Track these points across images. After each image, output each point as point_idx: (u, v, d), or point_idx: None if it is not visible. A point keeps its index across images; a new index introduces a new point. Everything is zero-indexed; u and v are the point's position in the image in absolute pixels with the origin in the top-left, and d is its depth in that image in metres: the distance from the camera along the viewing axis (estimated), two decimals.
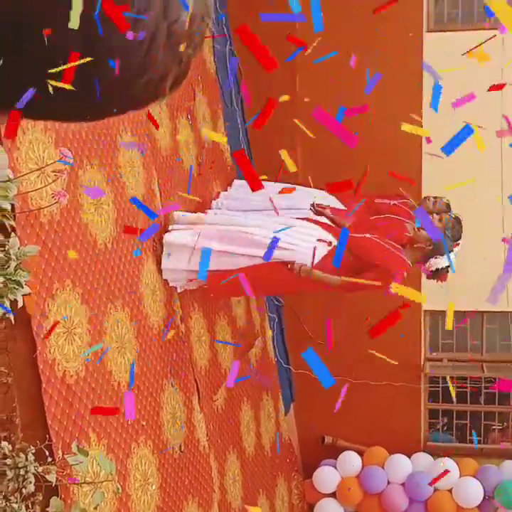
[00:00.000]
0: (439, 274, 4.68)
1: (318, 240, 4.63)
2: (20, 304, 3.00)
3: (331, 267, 4.45)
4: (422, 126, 6.99)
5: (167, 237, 4.57)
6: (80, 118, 0.72)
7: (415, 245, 4.62)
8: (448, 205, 4.92)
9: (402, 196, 5.23)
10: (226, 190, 5.93)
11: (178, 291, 4.77)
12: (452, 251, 4.63)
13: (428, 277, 4.70)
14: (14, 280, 2.98)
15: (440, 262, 4.61)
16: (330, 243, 4.65)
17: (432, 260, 4.61)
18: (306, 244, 4.57)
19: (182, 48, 0.68)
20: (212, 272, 4.42)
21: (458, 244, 4.76)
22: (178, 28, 0.66)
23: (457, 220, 4.79)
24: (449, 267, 4.62)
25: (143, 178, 4.54)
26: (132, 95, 0.70)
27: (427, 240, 4.61)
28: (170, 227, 4.68)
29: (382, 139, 7.14)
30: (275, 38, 6.70)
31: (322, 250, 4.60)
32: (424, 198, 5.17)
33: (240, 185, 5.82)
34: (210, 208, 5.38)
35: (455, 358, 8.02)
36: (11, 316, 2.99)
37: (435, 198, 5.02)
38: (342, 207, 5.19)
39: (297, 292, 5.70)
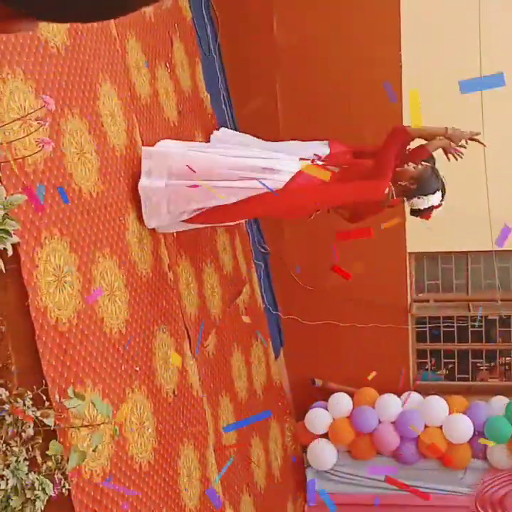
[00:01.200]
0: (421, 213, 4.66)
1: (301, 159, 4.65)
2: (9, 253, 3.02)
3: (317, 181, 4.49)
4: (401, 69, 7.03)
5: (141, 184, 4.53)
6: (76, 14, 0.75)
7: (399, 183, 4.62)
8: (431, 157, 4.83)
9: None
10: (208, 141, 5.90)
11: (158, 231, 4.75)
12: (438, 192, 4.59)
13: (411, 214, 4.69)
14: (2, 229, 3.01)
15: (422, 202, 4.59)
16: (313, 160, 4.68)
17: (415, 200, 4.60)
18: (288, 162, 4.60)
19: None
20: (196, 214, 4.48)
21: (440, 205, 4.70)
22: None
23: (433, 170, 4.74)
24: (432, 207, 4.60)
25: (124, 128, 4.54)
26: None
27: (410, 178, 4.61)
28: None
29: (360, 85, 7.13)
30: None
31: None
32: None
33: (219, 139, 5.75)
34: None
35: (441, 298, 8.11)
36: (1, 265, 3.02)
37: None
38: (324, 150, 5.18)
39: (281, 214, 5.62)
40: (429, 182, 4.57)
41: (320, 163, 4.68)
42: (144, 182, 4.48)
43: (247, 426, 5.78)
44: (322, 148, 5.03)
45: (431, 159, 4.73)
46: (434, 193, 4.55)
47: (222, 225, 5.38)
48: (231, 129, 6.87)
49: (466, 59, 6.96)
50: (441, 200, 4.64)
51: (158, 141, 4.92)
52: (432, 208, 4.60)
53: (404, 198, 4.62)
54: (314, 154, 4.83)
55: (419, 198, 4.58)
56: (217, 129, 6.22)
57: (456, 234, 7.45)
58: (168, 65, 5.56)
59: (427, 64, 7.12)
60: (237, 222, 5.20)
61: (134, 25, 4.99)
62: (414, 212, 4.66)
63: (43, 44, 3.65)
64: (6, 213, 3.03)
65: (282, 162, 4.60)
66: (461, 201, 6.88)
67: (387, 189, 4.46)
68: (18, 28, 0.77)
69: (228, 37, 7.03)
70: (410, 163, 4.62)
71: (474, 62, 6.86)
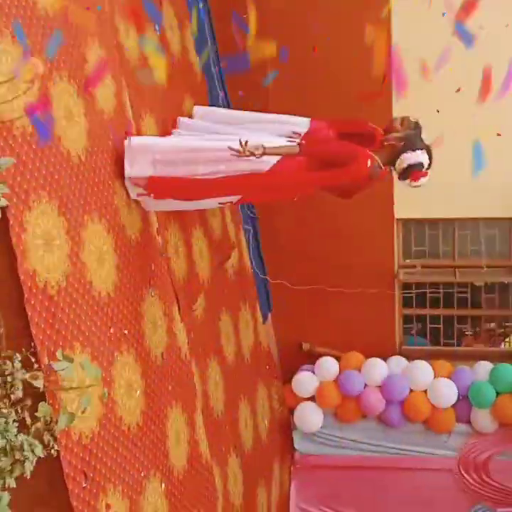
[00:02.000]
0: (410, 172, 4.60)
1: (287, 140, 4.63)
2: None
3: (297, 161, 4.48)
4: (390, 34, 6.97)
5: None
6: None
7: (385, 143, 4.64)
8: (416, 124, 4.83)
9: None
10: (195, 105, 5.85)
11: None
12: (424, 149, 4.59)
13: (399, 178, 4.67)
14: None
15: (411, 157, 4.56)
16: (300, 135, 4.68)
17: (403, 155, 4.58)
18: (275, 139, 4.58)
19: None
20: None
21: (427, 172, 4.69)
22: None
23: (418, 129, 4.74)
24: (421, 164, 4.58)
25: (113, 91, 4.52)
26: None
27: (397, 139, 4.63)
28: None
29: (349, 51, 7.07)
30: None
31: (293, 142, 4.61)
32: (392, 119, 5.06)
33: (202, 116, 5.67)
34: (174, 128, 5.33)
35: (428, 264, 8.16)
36: None
37: (402, 118, 4.91)
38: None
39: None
40: (415, 138, 4.61)
41: (297, 140, 4.66)
42: (127, 170, 4.45)
43: (234, 390, 5.83)
44: (303, 126, 5.03)
45: (417, 123, 4.74)
46: (422, 149, 4.56)
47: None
48: (220, 93, 6.83)
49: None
50: (429, 164, 4.64)
51: (146, 108, 4.92)
52: (420, 166, 4.56)
53: (392, 163, 4.61)
54: (293, 132, 4.81)
55: (407, 152, 4.57)
56: (205, 95, 6.20)
57: (443, 201, 7.47)
58: (157, 27, 5.51)
59: (416, 41, 7.06)
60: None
61: None
62: (403, 173, 4.60)
63: (31, 5, 3.61)
64: None
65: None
66: (448, 168, 6.89)
67: (369, 162, 4.45)
68: None
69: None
70: (396, 125, 4.66)
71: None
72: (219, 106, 6.63)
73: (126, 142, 4.48)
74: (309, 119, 5.14)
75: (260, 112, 5.39)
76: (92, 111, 4.14)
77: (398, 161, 4.57)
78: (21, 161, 3.32)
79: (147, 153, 4.45)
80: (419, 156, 4.55)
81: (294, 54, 7.02)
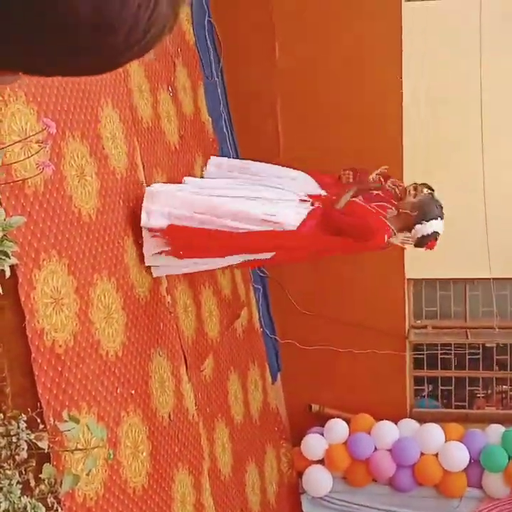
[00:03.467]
0: (425, 241, 4.64)
1: (300, 201, 4.65)
2: (7, 275, 3.02)
3: (316, 227, 4.50)
4: (402, 97, 7.07)
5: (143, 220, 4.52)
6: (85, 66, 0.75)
7: (400, 210, 4.65)
8: (430, 190, 4.85)
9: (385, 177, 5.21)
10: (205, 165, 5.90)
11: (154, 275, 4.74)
12: (441, 217, 4.60)
13: (415, 246, 4.69)
14: (1, 251, 3.01)
15: (425, 228, 4.58)
16: (313, 203, 4.67)
17: (417, 226, 4.60)
18: (289, 209, 4.58)
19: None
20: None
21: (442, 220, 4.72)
22: None
23: (433, 196, 4.76)
24: (436, 233, 4.60)
25: (125, 151, 4.56)
26: (134, 51, 0.73)
27: (411, 207, 4.64)
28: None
29: (361, 109, 7.17)
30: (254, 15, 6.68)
31: (305, 208, 4.62)
32: (407, 186, 5.07)
33: (217, 165, 5.73)
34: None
35: (439, 325, 8.10)
36: None
37: (417, 185, 4.92)
38: (316, 187, 5.14)
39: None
40: (430, 207, 4.61)
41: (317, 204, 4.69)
42: (144, 220, 4.46)
43: (242, 452, 5.75)
44: (309, 184, 5.06)
45: (430, 189, 4.76)
46: (436, 218, 4.57)
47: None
48: (232, 151, 6.89)
49: (467, 84, 7.02)
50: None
51: (158, 168, 4.95)
52: (436, 235, 4.59)
53: (406, 230, 4.63)
54: (308, 195, 4.80)
55: (421, 223, 4.58)
56: (216, 154, 6.24)
57: (454, 261, 7.45)
58: (170, 88, 5.59)
59: (427, 89, 7.16)
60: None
61: None
62: (419, 242, 4.64)
63: None
64: (4, 235, 3.03)
65: (281, 211, 4.55)
66: (460, 228, 6.91)
67: (386, 236, 4.49)
68: (1, 80, 0.77)
69: (231, 61, 7.08)
70: (410, 192, 4.67)
71: (475, 86, 6.92)
72: None
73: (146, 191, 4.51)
74: (313, 180, 5.17)
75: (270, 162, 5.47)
76: (104, 170, 4.17)
77: (413, 232, 4.58)
78: (32, 220, 3.34)
79: (164, 206, 4.47)
80: (434, 226, 4.55)
81: (305, 102, 7.19)
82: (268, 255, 4.60)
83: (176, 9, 0.72)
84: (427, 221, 4.57)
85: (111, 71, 0.76)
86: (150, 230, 4.43)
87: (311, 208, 4.62)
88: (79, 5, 0.66)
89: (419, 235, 4.58)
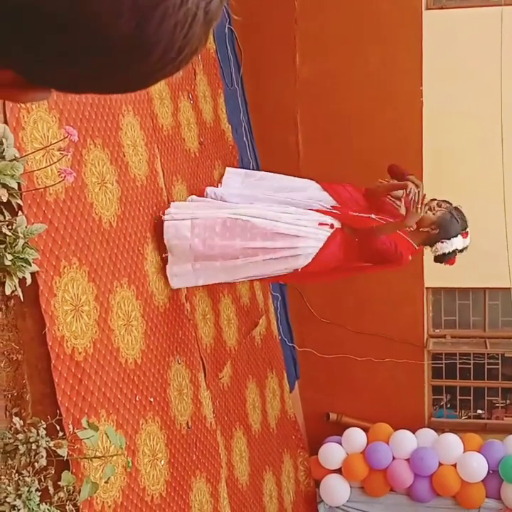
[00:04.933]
0: (446, 258, 4.60)
1: (319, 224, 4.60)
2: (28, 282, 3.04)
3: (336, 250, 4.49)
4: (422, 106, 7.05)
5: (165, 234, 4.55)
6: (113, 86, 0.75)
7: (420, 229, 4.60)
8: (455, 208, 4.79)
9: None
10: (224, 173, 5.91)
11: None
12: (460, 235, 4.56)
13: (435, 260, 4.66)
14: (22, 258, 3.02)
15: (446, 246, 4.54)
16: (332, 225, 4.61)
17: (438, 244, 4.55)
18: (308, 228, 4.54)
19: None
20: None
21: (467, 234, 4.67)
22: (213, 6, 0.70)
23: (457, 210, 4.71)
24: (457, 250, 4.56)
25: (146, 158, 4.57)
26: (167, 70, 0.73)
27: (431, 224, 4.59)
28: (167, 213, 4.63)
29: (382, 120, 7.16)
30: (277, 19, 6.69)
31: (325, 233, 4.57)
32: (431, 200, 5.01)
33: (234, 177, 5.74)
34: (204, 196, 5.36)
35: (458, 334, 8.06)
36: (20, 294, 3.03)
37: (440, 200, 4.86)
38: (330, 200, 5.13)
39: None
40: (450, 225, 4.54)
41: (336, 224, 4.65)
42: (171, 269, 4.52)
43: (259, 461, 5.74)
44: (320, 195, 5.04)
45: (450, 204, 4.71)
46: (456, 235, 4.52)
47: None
48: (251, 160, 6.89)
49: (488, 93, 6.98)
50: (466, 241, 4.62)
51: (178, 175, 4.96)
52: (455, 252, 4.57)
53: (427, 245, 4.61)
54: (323, 211, 4.76)
55: (442, 242, 4.54)
56: (236, 162, 6.26)
57: (474, 270, 7.41)
58: (191, 96, 5.60)
59: (448, 99, 7.13)
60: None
61: None
62: (439, 258, 4.61)
63: None
64: (25, 242, 3.05)
65: (302, 240, 4.55)
66: (480, 237, 6.86)
67: (410, 257, 4.48)
68: (32, 97, 0.76)
69: (251, 70, 7.09)
70: (432, 206, 4.63)
71: (495, 96, 6.88)
72: None
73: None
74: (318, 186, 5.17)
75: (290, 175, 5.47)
76: (125, 177, 4.18)
77: (433, 249, 4.55)
78: (53, 228, 3.34)
79: (187, 262, 4.51)
80: (454, 244, 4.52)
81: (325, 112, 7.18)
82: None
83: (209, 29, 0.72)
84: (449, 239, 4.53)
85: (141, 90, 0.75)
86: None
87: (331, 231, 4.58)
88: (122, 22, 0.65)
89: (440, 253, 4.56)
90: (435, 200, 4.75)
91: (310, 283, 5.24)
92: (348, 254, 4.50)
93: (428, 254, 5.31)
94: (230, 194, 5.28)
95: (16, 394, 3.16)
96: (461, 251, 4.61)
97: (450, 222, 4.55)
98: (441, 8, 7.17)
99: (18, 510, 2.84)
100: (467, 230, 4.61)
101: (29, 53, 0.67)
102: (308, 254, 4.47)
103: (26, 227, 3.06)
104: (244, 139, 6.80)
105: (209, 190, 5.37)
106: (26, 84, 0.72)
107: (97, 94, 0.78)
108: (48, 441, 3.03)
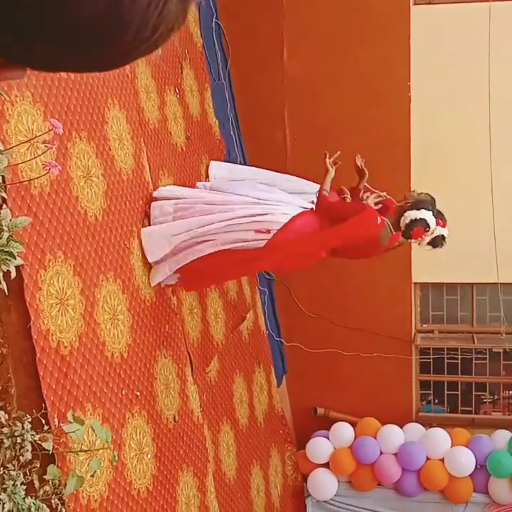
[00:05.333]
0: (412, 226, 4.57)
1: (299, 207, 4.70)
2: (13, 275, 3.02)
3: (310, 217, 4.56)
4: (410, 101, 7.06)
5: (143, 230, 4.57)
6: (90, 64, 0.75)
7: (395, 205, 4.68)
8: (432, 197, 4.84)
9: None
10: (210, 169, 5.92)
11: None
12: (431, 210, 4.58)
13: (403, 235, 4.64)
14: (7, 251, 3.00)
15: (414, 213, 4.55)
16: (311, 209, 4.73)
17: (407, 212, 4.57)
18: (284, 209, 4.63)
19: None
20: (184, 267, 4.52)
21: (445, 223, 4.67)
22: None
23: (432, 199, 4.74)
24: (424, 221, 4.55)
25: (132, 152, 4.55)
26: (143, 48, 0.73)
27: (406, 201, 4.65)
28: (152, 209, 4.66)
29: (369, 116, 7.16)
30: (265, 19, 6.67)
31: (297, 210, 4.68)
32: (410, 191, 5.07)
33: (219, 169, 5.78)
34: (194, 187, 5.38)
35: (446, 329, 8.08)
36: (4, 287, 3.02)
37: (420, 192, 4.91)
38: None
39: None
40: (424, 201, 4.59)
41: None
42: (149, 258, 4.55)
43: (247, 455, 5.74)
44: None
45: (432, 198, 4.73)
46: (428, 210, 4.54)
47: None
48: (239, 155, 6.89)
49: (476, 89, 6.99)
50: (444, 230, 4.62)
51: (164, 170, 4.96)
52: (423, 223, 4.52)
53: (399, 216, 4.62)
54: (311, 201, 4.83)
55: (411, 209, 4.56)
56: (223, 156, 6.26)
57: (461, 265, 7.43)
58: (177, 90, 5.58)
59: (436, 94, 7.15)
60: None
61: None
62: (406, 230, 4.58)
63: None
64: (10, 235, 3.03)
65: (277, 216, 4.59)
66: (467, 233, 6.89)
67: (379, 219, 4.46)
68: (6, 76, 0.76)
69: (238, 65, 7.08)
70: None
71: (483, 91, 6.90)
72: None
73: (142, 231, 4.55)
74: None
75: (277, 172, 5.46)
76: (110, 171, 4.17)
77: (402, 218, 4.56)
78: (38, 221, 3.33)
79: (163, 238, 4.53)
80: (423, 213, 4.53)
81: (312, 109, 7.18)
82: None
83: (186, 7, 0.71)
84: (418, 209, 4.55)
85: (118, 68, 0.75)
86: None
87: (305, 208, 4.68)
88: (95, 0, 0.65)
89: (407, 221, 4.55)
90: (418, 191, 4.81)
91: (290, 266, 5.16)
92: (321, 222, 4.56)
93: (415, 248, 5.30)
94: (219, 182, 5.34)
95: (0, 388, 3.15)
96: (442, 239, 4.60)
97: (425, 200, 4.60)
98: (429, 3, 7.18)
99: (4, 504, 2.83)
100: (444, 219, 4.63)
101: (5, 29, 0.67)
102: (281, 217, 4.52)
103: (11, 220, 3.04)
104: (232, 133, 6.79)
105: (199, 184, 5.38)
106: (1, 63, 0.72)
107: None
108: (33, 434, 3.02)
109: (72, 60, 0.72)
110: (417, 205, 4.57)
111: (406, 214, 4.55)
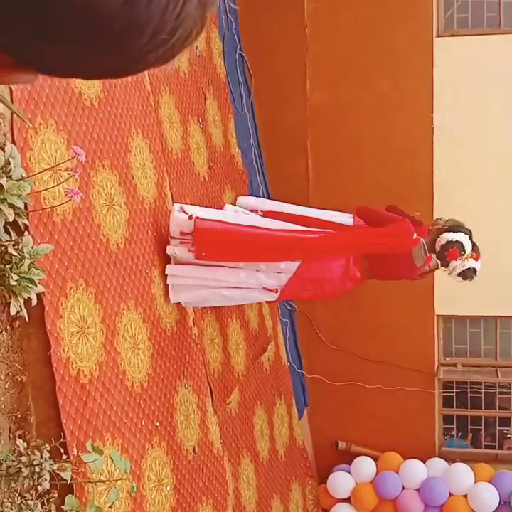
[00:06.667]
0: (447, 247, 4.56)
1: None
2: (34, 302, 3.01)
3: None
4: (432, 132, 7.05)
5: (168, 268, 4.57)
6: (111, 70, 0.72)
7: (430, 227, 4.68)
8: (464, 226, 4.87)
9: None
10: (235, 198, 5.91)
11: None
12: (468, 235, 4.59)
13: (437, 257, 4.62)
14: (28, 278, 3.00)
15: (451, 235, 4.56)
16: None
17: (445, 234, 4.58)
18: None
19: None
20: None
21: (478, 256, 4.66)
22: None
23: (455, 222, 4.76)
24: (460, 243, 4.54)
25: (154, 181, 4.56)
26: (159, 53, 0.70)
27: (444, 223, 4.68)
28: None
29: (392, 147, 7.15)
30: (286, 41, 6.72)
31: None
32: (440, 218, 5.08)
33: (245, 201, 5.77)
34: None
35: (469, 363, 7.98)
36: (25, 314, 3.01)
37: (450, 219, 4.92)
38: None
39: None
40: (462, 226, 4.61)
41: None
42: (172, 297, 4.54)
43: (267, 488, 5.66)
44: (346, 221, 5.06)
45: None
46: (465, 234, 4.55)
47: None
48: (261, 185, 6.89)
49: (499, 120, 6.97)
50: (477, 263, 4.59)
51: (187, 199, 4.98)
52: (459, 246, 4.51)
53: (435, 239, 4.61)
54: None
55: (449, 232, 4.57)
56: (246, 187, 6.26)
57: (485, 298, 7.35)
58: (200, 120, 5.60)
59: (459, 126, 7.13)
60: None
61: (168, 80, 5.05)
62: (442, 250, 4.56)
63: (76, 96, 3.68)
64: (31, 262, 3.02)
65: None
66: (491, 266, 6.81)
67: (415, 235, 4.45)
68: (17, 79, 0.74)
69: (261, 95, 7.11)
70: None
71: (507, 123, 6.87)
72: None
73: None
74: (351, 215, 5.14)
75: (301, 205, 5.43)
76: (133, 200, 4.17)
77: (438, 239, 4.55)
78: (60, 248, 3.32)
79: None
80: (460, 236, 4.53)
81: (336, 139, 7.18)
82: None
83: (205, 11, 0.69)
84: (455, 232, 4.55)
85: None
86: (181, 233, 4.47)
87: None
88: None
89: (443, 242, 4.55)
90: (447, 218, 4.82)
91: (315, 294, 5.06)
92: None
93: (439, 281, 5.25)
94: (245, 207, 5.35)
95: (19, 416, 3.13)
96: (473, 272, 4.58)
97: (463, 226, 4.61)
98: (452, 35, 7.19)
99: None
100: (478, 253, 4.61)
101: (18, 28, 0.65)
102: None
103: (32, 247, 3.04)
104: (254, 163, 6.79)
105: (227, 207, 5.38)
106: (13, 65, 0.69)
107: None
108: (51, 464, 2.98)
109: (85, 62, 0.69)
110: (455, 229, 4.59)
111: (443, 235, 4.56)
